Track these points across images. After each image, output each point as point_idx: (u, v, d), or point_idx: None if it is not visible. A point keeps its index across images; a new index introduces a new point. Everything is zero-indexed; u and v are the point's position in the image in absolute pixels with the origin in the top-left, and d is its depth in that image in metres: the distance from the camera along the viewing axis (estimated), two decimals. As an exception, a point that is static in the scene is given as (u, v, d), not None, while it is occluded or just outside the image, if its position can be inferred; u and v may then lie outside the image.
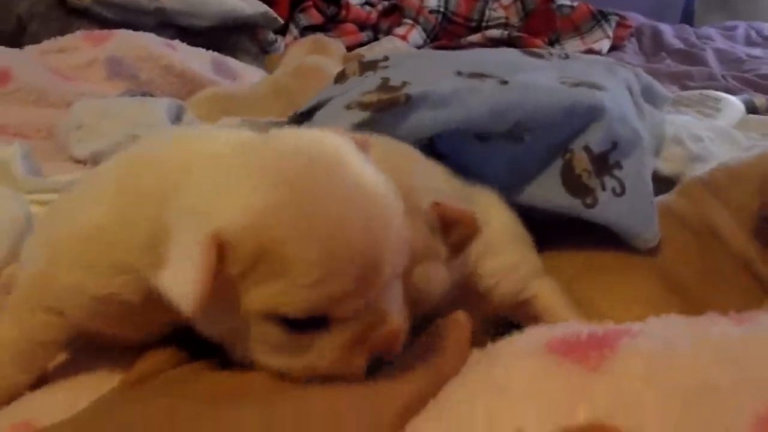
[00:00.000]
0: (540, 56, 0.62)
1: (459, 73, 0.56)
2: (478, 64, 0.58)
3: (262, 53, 1.47)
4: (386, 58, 0.64)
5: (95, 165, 0.82)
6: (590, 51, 1.73)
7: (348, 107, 0.52)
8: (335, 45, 1.12)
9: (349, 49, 1.56)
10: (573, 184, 0.52)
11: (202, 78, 1.09)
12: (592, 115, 0.52)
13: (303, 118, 0.59)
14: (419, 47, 1.80)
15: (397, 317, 0.34)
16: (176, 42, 1.17)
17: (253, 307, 0.31)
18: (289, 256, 0.30)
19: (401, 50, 0.68)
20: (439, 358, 0.36)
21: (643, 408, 0.28)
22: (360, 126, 0.50)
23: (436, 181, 0.47)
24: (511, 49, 0.65)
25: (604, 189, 0.52)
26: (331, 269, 0.30)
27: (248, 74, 1.19)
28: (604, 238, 0.53)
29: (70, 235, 0.38)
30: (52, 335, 0.38)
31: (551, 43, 1.83)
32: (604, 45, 1.78)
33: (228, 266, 0.30)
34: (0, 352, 0.38)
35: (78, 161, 0.85)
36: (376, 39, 1.85)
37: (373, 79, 0.56)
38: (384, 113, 0.50)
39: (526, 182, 0.54)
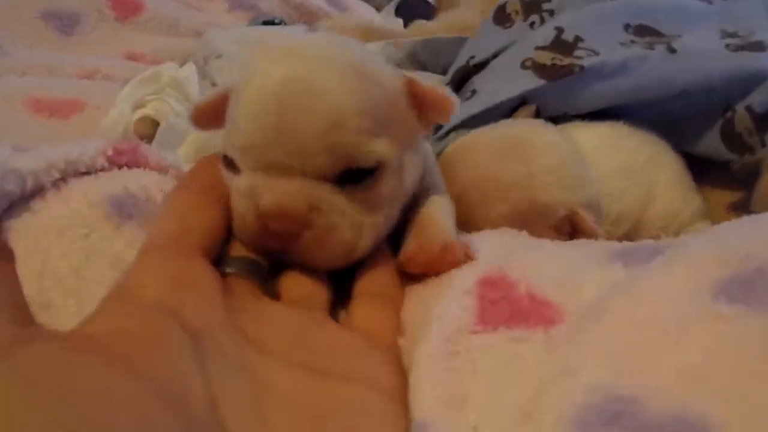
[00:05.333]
0: None
1: (627, 27, 0.58)
2: (645, 11, 0.60)
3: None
4: (548, -3, 0.66)
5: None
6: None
7: (524, 65, 0.55)
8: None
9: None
10: (732, 141, 0.55)
11: (319, 9, 1.12)
12: (756, 79, 0.54)
13: (477, 67, 0.62)
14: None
15: (300, 205, 0.31)
16: (291, -27, 1.19)
17: None
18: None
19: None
20: None
21: None
22: (532, 91, 0.54)
23: None
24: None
25: (763, 146, 0.53)
26: (237, 118, 0.33)
27: (359, 8, 1.21)
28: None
29: None
30: None
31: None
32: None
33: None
34: None
35: (220, 89, 0.90)
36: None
37: (546, 30, 0.58)
38: (557, 81, 0.53)
39: (684, 134, 0.57)
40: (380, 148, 0.32)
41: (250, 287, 0.32)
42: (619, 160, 0.52)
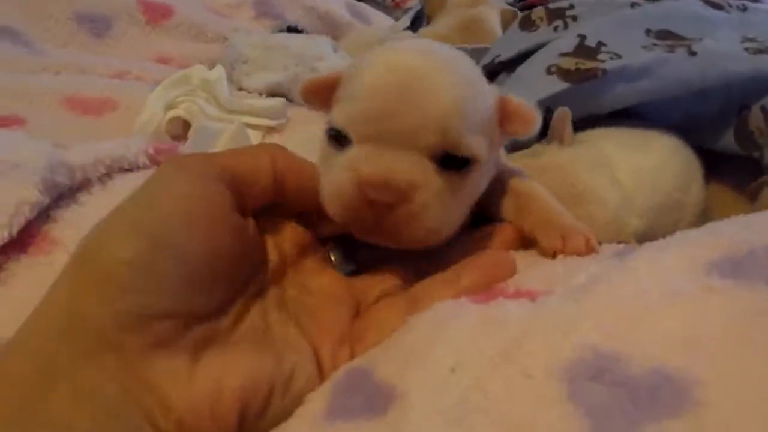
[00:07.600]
0: (720, 7, 0.65)
1: (648, 32, 0.60)
2: (665, 19, 0.62)
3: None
4: (571, 6, 0.68)
5: (272, 95, 0.90)
6: None
7: (549, 71, 0.57)
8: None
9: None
10: (744, 139, 0.56)
11: (342, 20, 1.15)
12: None
13: (502, 66, 0.64)
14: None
15: (404, 178, 0.33)
16: (315, -16, 1.22)
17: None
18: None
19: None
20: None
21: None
22: (557, 95, 0.56)
23: None
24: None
25: None
26: (355, 93, 0.35)
27: (379, 19, 1.24)
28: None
29: None
30: None
31: None
32: None
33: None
34: None
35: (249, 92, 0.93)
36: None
37: (569, 38, 0.61)
38: (581, 84, 0.55)
39: (702, 131, 0.59)
40: (477, 144, 0.36)
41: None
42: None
